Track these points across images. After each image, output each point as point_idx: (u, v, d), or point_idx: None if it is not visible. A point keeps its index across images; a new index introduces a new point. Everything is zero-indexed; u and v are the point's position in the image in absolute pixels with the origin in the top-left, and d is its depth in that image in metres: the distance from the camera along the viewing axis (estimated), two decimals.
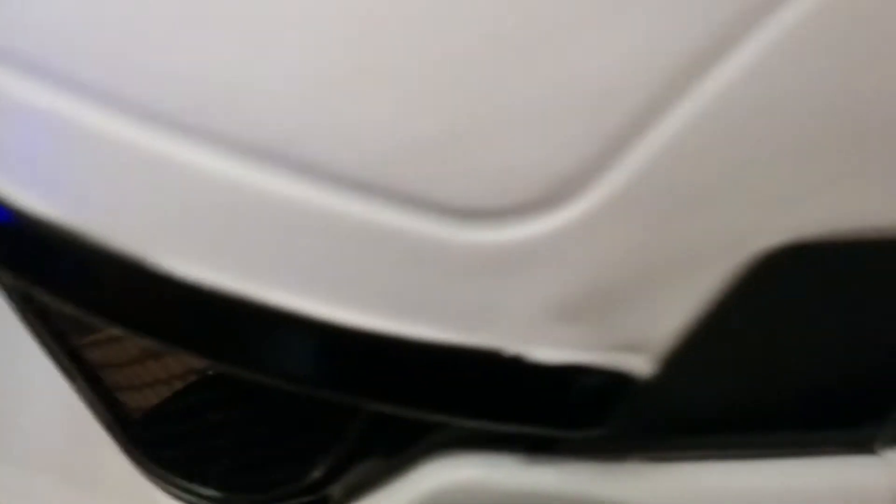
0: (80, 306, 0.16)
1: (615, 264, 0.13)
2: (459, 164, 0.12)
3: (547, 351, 0.14)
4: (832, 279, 0.15)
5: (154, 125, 0.13)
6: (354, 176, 0.12)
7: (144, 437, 0.19)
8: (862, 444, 0.17)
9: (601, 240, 0.13)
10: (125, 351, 0.19)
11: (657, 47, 0.12)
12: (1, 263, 0.17)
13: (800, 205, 0.13)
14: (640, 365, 0.14)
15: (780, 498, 0.17)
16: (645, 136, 0.12)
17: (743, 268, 0.14)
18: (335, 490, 0.17)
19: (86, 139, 0.14)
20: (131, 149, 0.13)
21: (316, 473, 0.17)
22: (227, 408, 0.18)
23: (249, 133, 0.12)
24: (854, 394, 0.17)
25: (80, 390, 0.19)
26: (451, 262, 0.13)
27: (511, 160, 0.12)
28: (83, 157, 0.14)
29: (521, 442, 0.16)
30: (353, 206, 0.13)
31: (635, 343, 0.14)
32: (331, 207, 0.13)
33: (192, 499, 0.18)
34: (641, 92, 0.12)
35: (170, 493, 0.18)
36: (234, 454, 0.18)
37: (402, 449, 0.17)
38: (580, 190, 0.13)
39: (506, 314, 0.13)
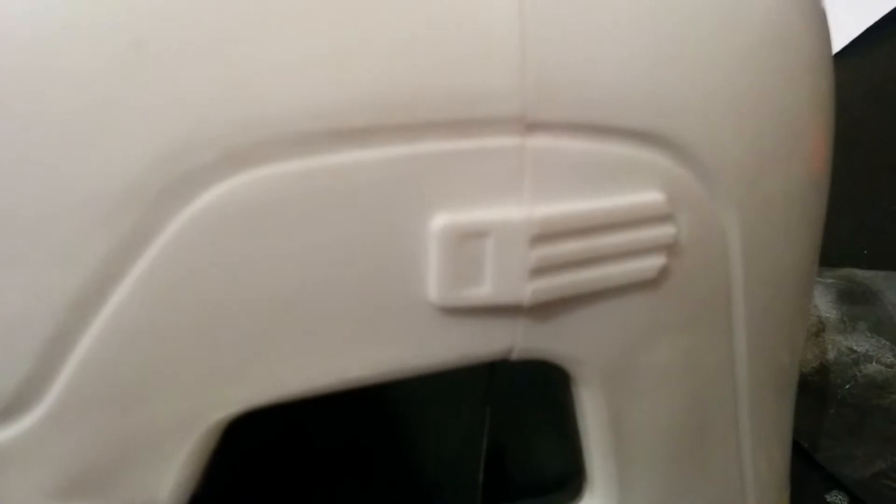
0: None
1: (87, 451, 0.15)
2: None
3: None
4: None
5: None
6: None
7: None
8: None
9: (67, 434, 0.15)
10: None
11: (46, 292, 0.14)
12: None
13: (232, 384, 0.15)
14: None
15: None
16: (68, 355, 0.14)
17: (214, 433, 0.16)
18: None
19: None
20: None
21: None
22: None
23: None
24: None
25: None
26: None
27: None
28: None
29: None
30: None
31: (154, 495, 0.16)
32: None
33: None
34: (46, 325, 0.14)
35: None
36: None
37: None
38: (31, 400, 0.15)
39: (11, 501, 0.15)
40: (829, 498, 0.35)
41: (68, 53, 0.13)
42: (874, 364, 0.40)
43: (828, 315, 0.43)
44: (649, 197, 0.17)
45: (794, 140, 0.20)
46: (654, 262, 0.17)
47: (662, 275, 0.18)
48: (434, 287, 0.16)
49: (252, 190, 0.14)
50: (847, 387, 0.39)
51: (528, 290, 0.16)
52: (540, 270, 0.16)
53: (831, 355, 0.41)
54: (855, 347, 0.41)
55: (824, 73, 0.21)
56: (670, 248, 0.17)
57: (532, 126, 0.16)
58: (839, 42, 0.65)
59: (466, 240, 0.16)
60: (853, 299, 0.44)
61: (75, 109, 0.13)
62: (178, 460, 0.16)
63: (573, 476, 0.20)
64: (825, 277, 0.45)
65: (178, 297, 0.14)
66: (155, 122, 0.14)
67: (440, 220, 0.15)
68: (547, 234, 0.16)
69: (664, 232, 0.17)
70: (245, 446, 0.17)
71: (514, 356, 0.17)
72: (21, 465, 0.15)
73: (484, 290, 0.16)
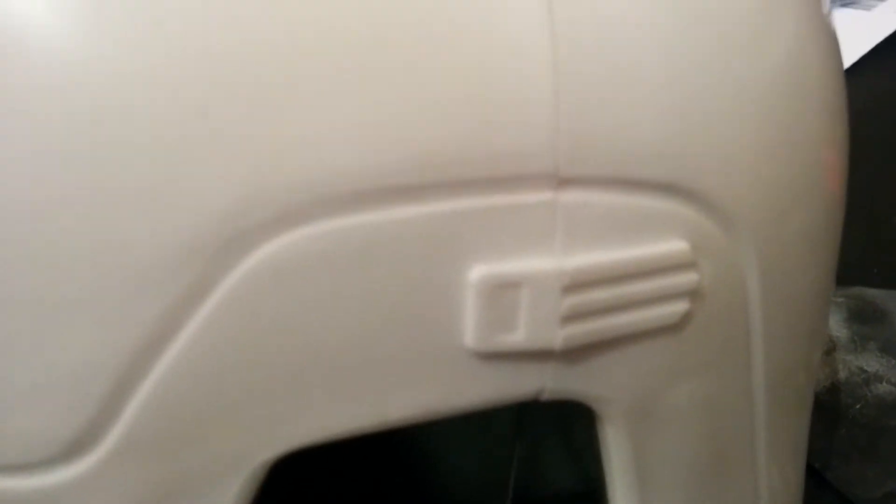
0: None
1: (141, 490, 0.16)
2: None
3: None
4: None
5: None
6: None
7: None
8: None
9: (124, 474, 0.16)
10: None
11: (111, 342, 0.15)
12: None
13: (281, 427, 0.16)
14: None
15: None
16: (127, 401, 0.15)
17: (260, 472, 0.17)
18: None
19: None
20: None
21: None
22: None
23: None
24: None
25: None
26: None
27: (25, 426, 0.16)
28: None
29: None
30: None
31: None
32: None
33: None
34: (109, 373, 0.15)
35: None
36: None
37: None
38: (92, 443, 0.16)
39: None
40: None
41: (143, 123, 0.14)
42: (884, 384, 0.41)
43: (838, 334, 0.44)
44: (674, 246, 0.18)
45: (811, 182, 0.21)
46: (678, 308, 0.18)
47: (685, 319, 0.18)
48: (471, 334, 0.17)
49: (305, 245, 0.15)
50: (858, 407, 0.40)
51: (559, 336, 0.17)
52: (571, 317, 0.17)
53: (842, 375, 0.42)
54: (865, 367, 0.42)
55: (840, 109, 0.22)
56: (693, 293, 0.18)
57: (564, 181, 0.16)
58: (848, 59, 0.65)
59: (502, 289, 0.16)
60: (864, 318, 0.45)
61: (145, 173, 0.14)
62: (226, 499, 0.17)
63: None
64: (836, 296, 0.46)
65: (233, 347, 0.15)
66: (218, 184, 0.14)
67: (478, 271, 0.16)
68: (577, 284, 0.17)
69: (688, 279, 0.18)
70: (283, 482, 0.17)
71: (545, 397, 0.18)
72: (79, 503, 0.16)
73: (518, 337, 0.17)
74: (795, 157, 0.20)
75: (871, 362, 0.42)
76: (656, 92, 0.17)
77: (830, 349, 0.43)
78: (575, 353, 0.18)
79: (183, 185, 0.14)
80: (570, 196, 0.17)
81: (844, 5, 0.72)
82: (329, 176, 0.15)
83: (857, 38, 0.67)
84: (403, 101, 0.15)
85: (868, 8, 0.72)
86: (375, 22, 0.15)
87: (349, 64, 0.15)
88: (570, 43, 0.16)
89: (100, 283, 0.15)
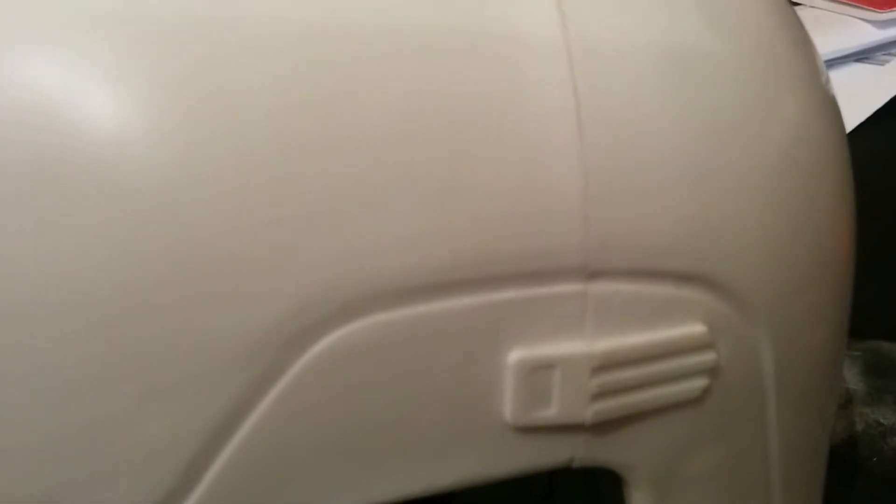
0: None
1: None
2: None
3: None
4: None
5: None
6: None
7: None
8: None
9: None
10: None
11: (191, 421, 0.17)
12: None
13: (338, 495, 0.18)
14: None
15: None
16: (202, 475, 0.17)
17: None
18: None
19: None
20: None
21: None
22: None
23: None
24: None
25: None
26: None
27: (108, 499, 0.17)
28: None
29: None
30: None
31: None
32: None
33: None
34: (188, 449, 0.17)
35: None
36: None
37: None
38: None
39: None
40: None
41: (222, 227, 0.16)
42: None
43: (855, 387, 0.45)
44: (693, 329, 0.19)
45: (822, 257, 0.22)
46: (697, 384, 0.20)
47: (704, 394, 0.20)
48: (510, 410, 0.18)
49: (360, 337, 0.17)
50: (874, 459, 0.41)
51: (589, 412, 0.19)
52: (600, 395, 0.19)
53: (859, 427, 0.43)
54: (882, 420, 0.43)
55: (844, 176, 0.23)
56: (711, 371, 0.20)
57: (593, 274, 0.18)
58: (863, 113, 0.67)
59: (537, 371, 0.18)
60: (879, 372, 0.46)
61: (223, 270, 0.16)
62: None
63: None
64: (852, 350, 0.47)
65: (297, 426, 0.17)
66: (287, 287, 0.17)
67: (515, 355, 0.18)
68: (606, 365, 0.19)
69: (706, 358, 0.20)
70: None
71: (575, 465, 0.20)
72: None
73: (552, 412, 0.19)
74: (805, 234, 0.22)
75: (888, 415, 0.43)
76: (675, 188, 0.19)
77: (847, 402, 0.44)
78: (603, 426, 0.19)
79: (257, 282, 0.16)
80: (599, 286, 0.18)
81: (858, 60, 0.74)
82: (379, 275, 0.17)
83: (871, 92, 0.69)
84: (448, 210, 0.17)
85: (882, 63, 0.74)
86: (420, 143, 0.17)
87: (400, 180, 0.17)
88: (597, 149, 0.18)
89: (186, 371, 0.17)
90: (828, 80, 0.24)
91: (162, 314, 0.16)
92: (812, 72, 0.23)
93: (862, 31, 0.76)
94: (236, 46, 0.17)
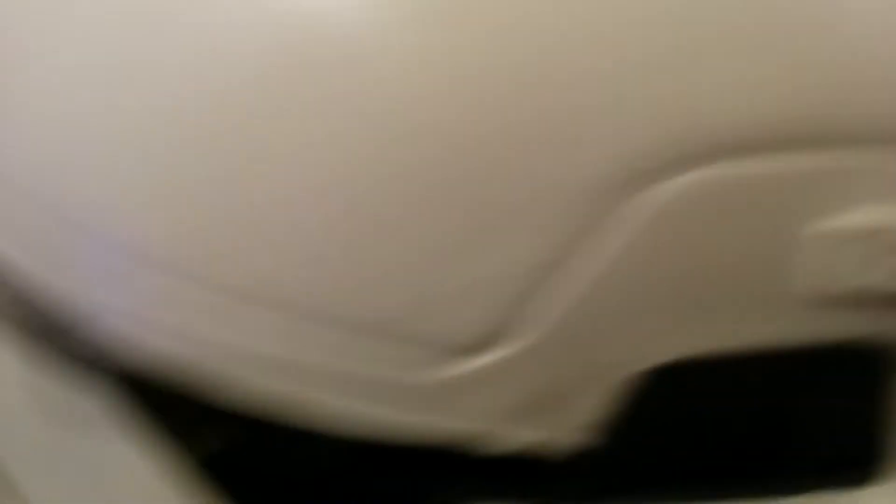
0: None
1: (544, 382, 0.19)
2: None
3: (518, 434, 0.19)
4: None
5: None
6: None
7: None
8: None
9: (531, 367, 0.18)
10: None
11: (525, 256, 0.18)
12: None
13: (674, 337, 0.19)
14: (591, 440, 0.19)
15: None
16: (527, 312, 0.18)
17: (617, 389, 0.19)
18: None
19: None
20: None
21: None
22: None
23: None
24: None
25: None
26: (429, 387, 0.19)
27: (444, 321, 0.18)
28: None
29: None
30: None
31: (581, 425, 0.19)
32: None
33: None
34: (516, 284, 0.18)
35: None
36: None
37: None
38: (490, 345, 0.18)
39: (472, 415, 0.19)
40: None
41: (550, 77, 0.17)
42: None
43: None
44: None
45: None
46: None
47: None
48: (829, 278, 0.18)
49: (693, 187, 0.17)
50: None
51: None
52: None
53: None
54: None
55: None
56: None
57: None
58: None
59: (857, 239, 0.18)
60: None
61: (552, 119, 0.17)
62: (583, 407, 0.19)
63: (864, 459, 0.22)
64: None
65: (629, 268, 0.18)
66: (625, 129, 0.17)
67: (835, 222, 0.18)
68: None
69: None
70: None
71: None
72: (491, 387, 0.19)
73: (877, 279, 0.18)
74: None
75: None
76: None
77: None
78: None
79: (596, 127, 0.17)
80: None
81: None
82: (716, 125, 0.17)
83: None
84: (770, 63, 0.17)
85: None
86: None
87: (748, 36, 0.17)
88: None
89: (523, 206, 0.17)
90: None
91: (494, 163, 0.17)
92: None
93: None
94: None
